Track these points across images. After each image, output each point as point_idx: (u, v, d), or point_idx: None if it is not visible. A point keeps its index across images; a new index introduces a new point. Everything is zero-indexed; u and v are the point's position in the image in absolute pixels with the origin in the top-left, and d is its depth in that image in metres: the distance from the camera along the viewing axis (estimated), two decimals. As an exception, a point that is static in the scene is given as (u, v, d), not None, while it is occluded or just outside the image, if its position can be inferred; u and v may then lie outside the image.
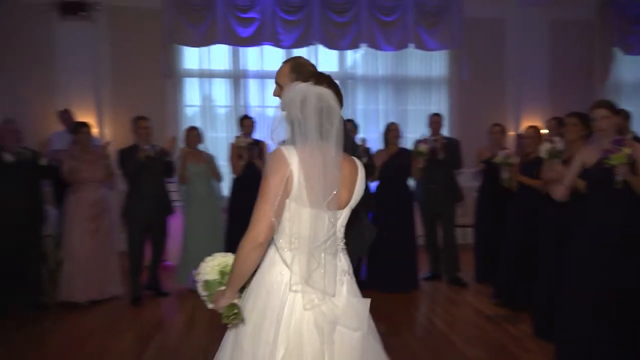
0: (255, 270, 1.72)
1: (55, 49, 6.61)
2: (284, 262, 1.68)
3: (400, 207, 5.11)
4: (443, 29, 7.16)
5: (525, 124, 7.04)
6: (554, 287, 3.59)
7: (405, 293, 5.01)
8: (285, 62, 2.14)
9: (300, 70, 2.07)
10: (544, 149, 3.91)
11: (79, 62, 6.62)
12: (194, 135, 5.22)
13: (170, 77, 6.87)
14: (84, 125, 4.80)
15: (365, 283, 5.20)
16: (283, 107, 1.72)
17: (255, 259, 1.66)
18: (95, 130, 6.28)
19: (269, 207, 1.61)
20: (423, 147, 5.05)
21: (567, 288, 3.22)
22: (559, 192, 3.34)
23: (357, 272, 4.65)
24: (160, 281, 5.09)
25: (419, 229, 5.49)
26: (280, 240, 1.69)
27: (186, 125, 6.95)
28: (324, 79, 1.76)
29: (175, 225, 5.44)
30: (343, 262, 1.78)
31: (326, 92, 1.69)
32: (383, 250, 5.03)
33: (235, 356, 1.69)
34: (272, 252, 1.71)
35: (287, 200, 1.65)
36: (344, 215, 1.77)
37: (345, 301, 1.71)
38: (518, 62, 7.45)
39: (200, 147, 5.32)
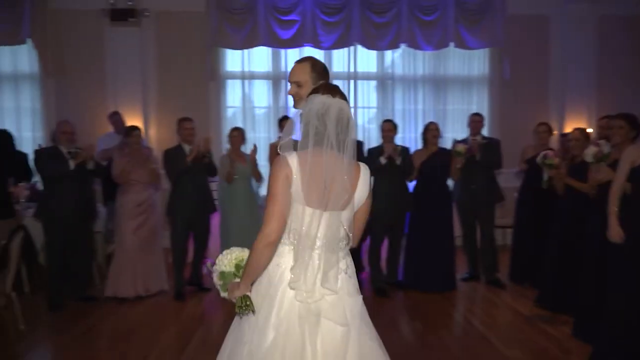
0: None
1: (105, 54, 6.92)
2: (281, 254, 1.82)
3: (439, 207, 5.08)
4: (485, 27, 7.06)
5: (570, 123, 6.89)
6: (599, 290, 3.51)
7: (443, 293, 4.98)
8: (303, 61, 2.18)
9: (320, 70, 2.14)
10: (589, 152, 3.83)
11: (127, 66, 6.90)
12: (236, 136, 5.35)
13: (214, 80, 7.06)
14: (135, 128, 5.01)
15: (403, 282, 5.22)
16: (303, 114, 1.83)
17: (268, 255, 1.80)
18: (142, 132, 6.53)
19: (277, 207, 1.75)
20: (461, 148, 5.01)
21: (622, 292, 3.16)
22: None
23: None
24: (202, 277, 5.26)
25: (458, 229, 5.46)
26: (283, 235, 1.82)
27: (228, 126, 7.18)
28: (337, 91, 1.86)
29: (217, 223, 5.62)
30: (342, 261, 1.86)
31: (345, 105, 1.82)
32: (421, 249, 5.04)
33: (237, 336, 1.86)
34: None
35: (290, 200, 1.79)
36: (345, 216, 1.84)
37: (337, 297, 1.80)
38: (563, 59, 7.26)
39: (243, 148, 5.45)
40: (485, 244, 5.35)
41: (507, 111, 7.24)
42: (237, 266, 1.92)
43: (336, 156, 1.78)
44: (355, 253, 5.29)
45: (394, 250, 5.24)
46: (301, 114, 1.85)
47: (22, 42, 6.73)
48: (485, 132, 5.93)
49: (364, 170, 1.90)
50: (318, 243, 1.78)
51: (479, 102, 7.35)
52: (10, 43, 6.76)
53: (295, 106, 2.19)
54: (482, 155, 5.17)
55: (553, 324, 4.13)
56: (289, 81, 2.20)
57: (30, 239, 4.57)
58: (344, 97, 1.86)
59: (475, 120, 5.41)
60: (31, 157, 5.92)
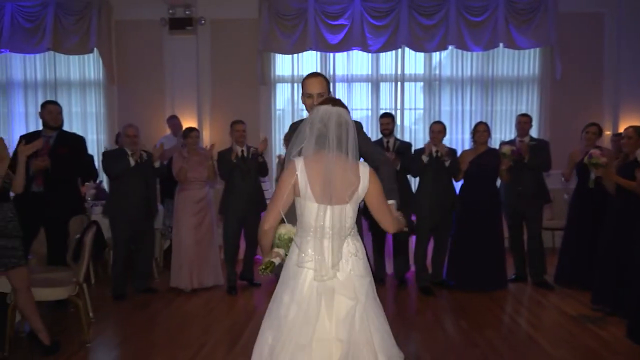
0: None
1: (164, 61, 7.33)
2: (297, 245, 2.16)
3: (486, 207, 5.09)
4: (535, 26, 6.98)
5: (624, 124, 6.69)
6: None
7: (489, 293, 5.00)
8: (319, 76, 2.80)
9: (328, 83, 2.74)
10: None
11: (183, 72, 7.27)
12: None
13: (264, 84, 7.33)
14: (193, 130, 5.31)
15: (448, 282, 5.27)
16: (309, 120, 2.16)
17: (265, 240, 2.23)
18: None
19: (276, 204, 2.13)
20: (507, 149, 5.00)
21: None
22: None
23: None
24: (254, 273, 5.50)
25: (506, 231, 5.45)
26: (299, 229, 2.17)
27: (277, 127, 7.44)
28: (338, 102, 2.19)
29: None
30: (351, 245, 2.17)
31: (344, 112, 2.14)
32: (467, 249, 5.08)
33: (270, 313, 2.24)
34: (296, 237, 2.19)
35: (298, 198, 2.12)
36: (349, 209, 2.13)
37: (347, 276, 2.12)
38: (617, 58, 7.07)
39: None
40: (532, 245, 5.32)
41: (559, 112, 7.13)
42: (280, 236, 2.27)
43: (337, 156, 2.07)
44: (402, 252, 5.41)
45: (440, 249, 5.29)
46: (307, 120, 2.18)
47: (90, 51, 7.25)
48: (535, 133, 5.88)
49: (363, 168, 2.17)
50: (328, 232, 2.09)
51: (529, 103, 7.27)
52: (79, 52, 7.29)
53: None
54: (530, 157, 5.14)
55: (601, 325, 4.10)
56: (312, 92, 2.72)
57: (101, 234, 4.95)
58: (344, 107, 2.18)
59: (523, 122, 5.37)
60: (96, 158, 6.43)
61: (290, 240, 2.25)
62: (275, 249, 2.27)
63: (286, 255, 2.26)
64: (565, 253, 5.24)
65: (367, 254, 4.66)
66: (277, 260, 2.27)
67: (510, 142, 5.35)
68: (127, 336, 4.03)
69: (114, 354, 3.75)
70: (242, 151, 5.20)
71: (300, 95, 3.07)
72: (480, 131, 5.16)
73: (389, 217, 2.26)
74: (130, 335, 4.05)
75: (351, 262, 2.15)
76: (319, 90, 2.71)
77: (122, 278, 5.00)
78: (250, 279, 5.47)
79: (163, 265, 6.01)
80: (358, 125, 2.90)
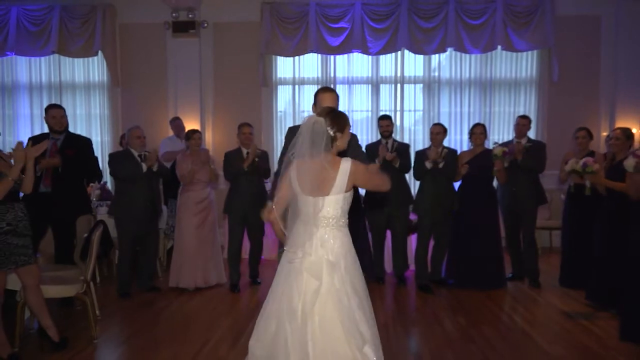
0: None
1: (167, 64, 7.45)
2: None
3: (483, 206, 5.18)
4: (533, 29, 7.09)
5: (621, 125, 6.76)
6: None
7: (487, 291, 5.10)
8: (334, 92, 3.33)
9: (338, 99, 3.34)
10: (628, 164, 3.86)
11: (186, 74, 7.39)
12: None
13: (266, 86, 7.44)
14: (196, 132, 5.42)
15: (447, 280, 5.37)
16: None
17: (274, 227, 2.63)
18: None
19: (277, 195, 2.59)
20: (498, 150, 5.07)
21: None
22: None
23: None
24: (257, 273, 5.61)
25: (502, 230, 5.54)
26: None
27: (278, 129, 7.54)
28: (329, 111, 2.61)
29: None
30: (329, 234, 2.52)
31: (321, 120, 2.50)
32: (465, 248, 5.17)
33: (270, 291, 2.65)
34: None
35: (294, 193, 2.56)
36: (330, 200, 2.51)
37: (317, 259, 2.48)
38: (614, 60, 7.17)
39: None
40: (525, 245, 5.43)
41: (556, 113, 7.23)
42: None
43: (313, 156, 2.47)
44: (402, 251, 5.49)
45: (439, 248, 5.39)
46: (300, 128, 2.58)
47: (94, 54, 7.38)
48: (532, 134, 5.96)
49: (344, 163, 2.53)
50: (312, 221, 2.51)
51: (527, 104, 7.37)
52: (84, 55, 7.42)
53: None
54: (524, 158, 5.22)
55: (595, 322, 4.21)
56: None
57: (107, 233, 5.06)
58: (337, 116, 2.57)
59: (521, 124, 5.45)
60: (99, 159, 6.53)
61: None
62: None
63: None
64: (565, 255, 5.30)
65: (370, 252, 4.80)
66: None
67: (508, 144, 5.44)
68: (132, 333, 4.13)
69: (121, 350, 3.85)
70: (247, 153, 5.31)
71: (300, 97, 3.33)
72: (477, 133, 5.26)
73: (378, 180, 2.60)
74: (136, 331, 4.15)
75: (324, 247, 2.50)
76: (335, 104, 3.22)
77: (127, 277, 5.11)
78: (254, 277, 5.58)
79: (167, 264, 6.11)
80: (353, 137, 3.36)
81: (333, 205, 2.53)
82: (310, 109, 3.53)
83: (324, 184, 2.50)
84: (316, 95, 3.39)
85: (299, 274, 2.48)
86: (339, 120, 2.58)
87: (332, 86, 7.43)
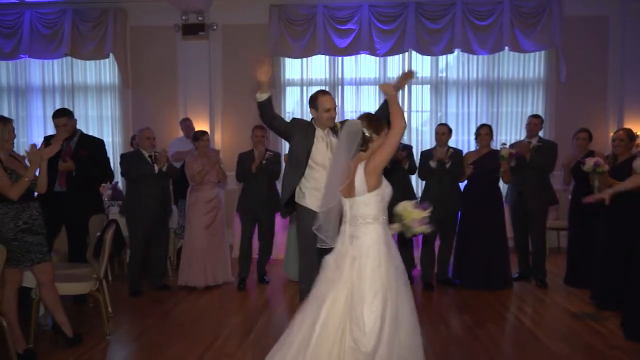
0: None
1: (177, 66, 7.57)
2: None
3: (489, 207, 5.22)
4: (540, 29, 7.10)
5: (628, 125, 6.78)
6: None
7: (493, 291, 5.13)
8: (330, 93, 3.69)
9: None
10: (638, 165, 3.87)
11: (196, 76, 7.50)
12: None
13: (274, 87, 7.51)
14: (204, 133, 5.51)
15: (453, 280, 5.41)
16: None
17: None
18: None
19: None
20: (505, 152, 5.09)
21: None
22: None
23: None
24: (266, 273, 5.70)
25: (510, 231, 5.57)
26: None
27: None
28: (364, 117, 2.84)
29: (278, 222, 6.07)
30: (355, 231, 2.71)
31: (358, 122, 2.73)
32: (470, 248, 5.21)
33: None
34: None
35: None
36: (358, 202, 2.69)
37: (344, 251, 2.72)
38: (622, 61, 7.18)
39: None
40: (533, 246, 5.44)
41: (563, 114, 7.23)
42: (404, 210, 2.78)
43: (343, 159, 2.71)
44: (407, 251, 5.57)
45: (445, 249, 5.44)
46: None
47: (106, 57, 7.51)
48: (540, 134, 5.96)
49: (360, 165, 2.71)
50: (345, 218, 2.77)
51: (534, 105, 7.39)
52: (96, 58, 7.55)
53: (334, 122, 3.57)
54: (533, 158, 5.23)
55: (601, 321, 4.23)
56: (331, 107, 3.58)
57: (119, 232, 5.16)
58: (369, 119, 2.76)
59: (533, 123, 5.42)
60: (111, 159, 6.65)
61: (402, 217, 2.75)
62: (393, 225, 2.79)
63: (403, 227, 2.77)
64: (571, 255, 5.33)
65: None
66: (396, 227, 2.80)
67: (516, 144, 5.44)
68: (144, 329, 4.22)
69: (133, 346, 3.94)
70: (263, 158, 5.40)
71: (308, 98, 3.48)
72: (483, 134, 5.29)
73: (392, 135, 2.70)
74: (147, 328, 4.24)
75: (348, 242, 2.71)
76: (334, 105, 3.59)
77: (138, 275, 5.20)
78: (262, 276, 5.66)
79: (177, 263, 6.20)
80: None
81: (362, 206, 2.70)
82: (309, 111, 3.68)
83: (350, 186, 2.69)
84: (315, 98, 3.59)
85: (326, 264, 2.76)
86: (376, 122, 2.76)
87: (339, 87, 7.53)
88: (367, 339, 2.53)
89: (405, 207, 2.78)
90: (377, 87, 7.51)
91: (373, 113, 2.97)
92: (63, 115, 4.68)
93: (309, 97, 3.79)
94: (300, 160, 3.63)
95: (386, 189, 2.76)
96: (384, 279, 2.63)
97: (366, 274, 2.62)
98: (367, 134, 2.71)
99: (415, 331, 2.72)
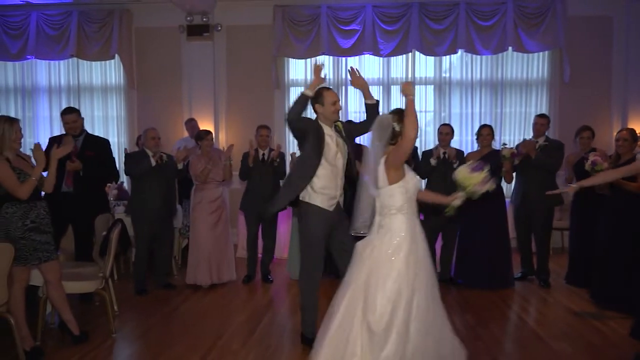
0: None
1: (181, 66, 7.62)
2: None
3: (491, 206, 5.21)
4: (544, 30, 7.11)
5: (632, 125, 6.80)
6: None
7: (497, 290, 5.15)
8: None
9: None
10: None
11: (200, 77, 7.55)
12: None
13: (278, 88, 7.56)
14: (208, 133, 5.55)
15: (455, 280, 5.42)
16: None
17: None
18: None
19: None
20: (507, 151, 5.10)
21: None
22: None
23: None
24: (270, 272, 5.75)
25: (512, 230, 5.58)
26: None
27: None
28: (395, 111, 3.06)
29: (282, 221, 6.11)
30: (381, 221, 2.93)
31: (389, 116, 2.94)
32: (474, 247, 5.23)
33: None
34: None
35: None
36: (384, 193, 2.90)
37: (371, 238, 2.93)
38: (626, 61, 7.18)
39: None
40: (537, 246, 5.45)
41: (567, 114, 7.22)
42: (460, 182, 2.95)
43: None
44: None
45: (447, 248, 5.46)
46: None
47: (111, 57, 7.57)
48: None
49: (382, 159, 2.90)
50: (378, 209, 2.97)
51: (538, 105, 7.39)
52: (101, 59, 7.62)
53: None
54: (538, 156, 5.22)
55: (603, 320, 4.25)
56: (337, 99, 3.61)
57: (125, 232, 5.21)
58: (400, 114, 2.92)
59: (539, 123, 5.39)
60: (116, 159, 6.70)
61: (464, 185, 2.90)
62: (457, 193, 2.92)
63: (468, 193, 2.91)
64: (572, 254, 5.35)
65: None
66: (456, 202, 2.95)
67: (522, 144, 5.44)
68: (149, 327, 4.26)
69: (138, 343, 3.98)
70: (263, 154, 5.49)
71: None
72: (484, 134, 5.31)
73: (407, 135, 2.86)
74: (152, 326, 4.29)
75: (379, 233, 2.90)
76: (338, 98, 3.68)
77: (143, 274, 5.25)
78: (266, 275, 5.71)
79: (181, 262, 6.25)
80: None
81: (387, 197, 2.87)
82: (315, 109, 3.68)
83: (376, 178, 2.91)
84: (320, 94, 3.60)
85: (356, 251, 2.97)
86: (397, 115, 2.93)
87: (343, 88, 7.56)
88: (378, 321, 2.68)
89: (464, 174, 2.91)
90: (381, 87, 7.55)
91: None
92: (72, 112, 4.83)
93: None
94: (312, 159, 3.58)
95: (410, 181, 2.90)
96: (402, 268, 2.76)
97: (383, 261, 2.79)
98: (396, 128, 2.87)
99: (434, 324, 2.82)
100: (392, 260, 2.79)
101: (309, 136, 3.58)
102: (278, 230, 6.36)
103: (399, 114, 2.92)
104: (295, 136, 3.74)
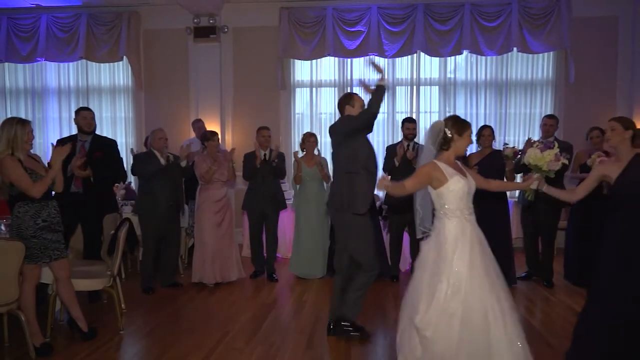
0: None
1: (189, 68, 7.71)
2: None
3: (493, 206, 5.24)
4: (549, 30, 7.11)
5: (638, 126, 6.78)
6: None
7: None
8: None
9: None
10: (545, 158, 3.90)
11: (207, 78, 7.63)
12: (312, 141, 5.85)
13: (284, 88, 7.62)
14: (214, 134, 5.63)
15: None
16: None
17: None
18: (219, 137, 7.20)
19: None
20: (509, 151, 5.12)
21: None
22: None
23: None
24: (274, 271, 5.82)
25: (515, 231, 5.61)
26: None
27: (297, 130, 7.72)
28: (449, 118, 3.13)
29: (288, 221, 6.18)
30: (435, 221, 3.05)
31: (441, 121, 3.04)
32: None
33: None
34: None
35: None
36: (432, 195, 3.00)
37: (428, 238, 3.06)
38: (631, 61, 7.17)
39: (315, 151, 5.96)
40: (543, 247, 5.48)
41: (572, 114, 7.22)
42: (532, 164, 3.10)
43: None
44: (418, 251, 5.66)
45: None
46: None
47: (120, 59, 7.68)
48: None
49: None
50: None
51: (543, 106, 7.40)
52: (110, 61, 7.72)
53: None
54: None
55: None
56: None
57: (132, 231, 5.30)
58: (454, 120, 3.03)
59: (548, 124, 5.39)
60: (124, 160, 6.80)
61: (539, 165, 3.01)
62: (534, 175, 3.03)
63: (544, 172, 3.04)
64: (569, 251, 5.40)
65: (384, 253, 5.13)
66: (534, 185, 3.06)
67: (531, 142, 5.44)
68: (156, 325, 4.34)
69: (145, 340, 4.06)
70: (265, 155, 5.56)
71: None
72: (485, 135, 5.35)
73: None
74: (159, 324, 4.37)
75: (432, 234, 3.00)
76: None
77: (150, 273, 5.34)
78: (270, 274, 5.78)
79: (187, 262, 6.33)
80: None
81: (437, 200, 2.97)
82: (333, 108, 3.81)
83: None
84: (352, 96, 4.03)
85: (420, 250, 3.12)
86: (459, 123, 2.99)
87: (348, 89, 7.60)
88: (418, 317, 2.79)
89: (535, 156, 2.96)
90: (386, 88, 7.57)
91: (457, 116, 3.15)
92: (90, 110, 5.04)
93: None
94: (370, 160, 3.90)
95: (455, 185, 2.92)
96: (449, 270, 2.80)
97: (430, 261, 2.90)
98: (448, 133, 2.93)
99: (484, 333, 2.76)
100: (439, 263, 2.85)
101: (362, 136, 3.92)
102: (284, 231, 6.47)
103: (452, 120, 3.00)
104: (369, 126, 3.96)
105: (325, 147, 7.49)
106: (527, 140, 5.45)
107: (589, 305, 3.26)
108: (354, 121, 3.89)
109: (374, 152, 3.96)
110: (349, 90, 7.55)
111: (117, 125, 8.03)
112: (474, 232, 2.95)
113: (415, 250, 5.58)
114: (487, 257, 2.93)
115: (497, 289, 2.84)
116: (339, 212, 3.90)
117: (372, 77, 7.55)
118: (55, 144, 4.56)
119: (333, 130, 4.05)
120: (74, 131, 5.13)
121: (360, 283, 3.87)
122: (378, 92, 3.77)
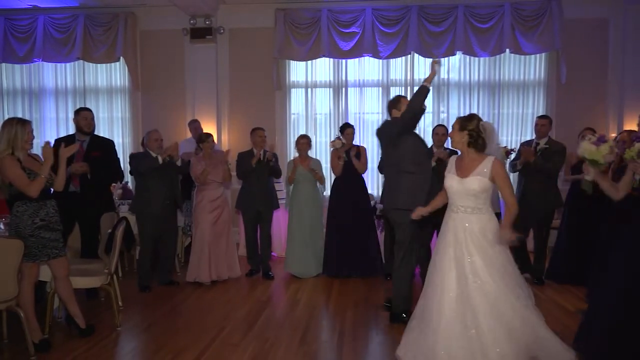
0: None
1: (185, 69, 7.77)
2: None
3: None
4: (541, 32, 7.19)
5: (628, 127, 6.88)
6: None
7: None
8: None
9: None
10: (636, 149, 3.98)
11: (203, 79, 7.70)
12: (304, 142, 5.93)
13: (279, 89, 7.70)
14: (209, 135, 5.71)
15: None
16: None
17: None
18: (215, 137, 7.26)
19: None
20: (501, 151, 5.18)
21: None
22: None
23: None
24: (270, 268, 5.90)
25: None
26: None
27: (292, 131, 7.80)
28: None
29: (282, 221, 6.25)
30: None
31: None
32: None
33: None
34: None
35: None
36: None
37: None
38: (622, 62, 7.26)
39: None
40: (535, 246, 5.55)
41: (564, 115, 7.30)
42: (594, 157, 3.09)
43: None
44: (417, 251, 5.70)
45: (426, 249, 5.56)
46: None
47: (116, 60, 7.73)
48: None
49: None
50: None
51: (535, 106, 7.48)
52: (107, 61, 7.77)
53: None
54: (537, 161, 5.27)
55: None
56: None
57: (129, 230, 5.37)
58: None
59: (540, 124, 5.43)
60: (121, 159, 6.86)
61: (595, 159, 3.05)
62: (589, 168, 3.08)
63: (599, 166, 3.08)
64: (558, 250, 5.48)
65: (380, 252, 5.15)
66: (589, 177, 3.11)
67: (528, 144, 5.53)
68: (153, 322, 4.41)
69: (142, 337, 4.13)
70: (260, 155, 5.63)
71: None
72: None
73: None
74: (156, 321, 4.44)
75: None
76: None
77: (147, 271, 5.40)
78: (266, 271, 5.85)
79: (184, 260, 6.40)
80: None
81: (486, 191, 3.21)
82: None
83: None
84: (399, 100, 4.24)
85: None
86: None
87: (343, 89, 7.69)
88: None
89: (590, 150, 3.03)
90: (380, 88, 7.67)
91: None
92: (90, 110, 5.12)
93: (389, 100, 4.43)
94: (424, 157, 4.14)
95: (446, 182, 3.28)
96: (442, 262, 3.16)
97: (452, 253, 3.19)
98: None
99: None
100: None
101: (412, 135, 4.12)
102: (279, 229, 6.54)
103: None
104: (412, 125, 4.11)
105: (319, 147, 7.59)
106: (520, 146, 5.50)
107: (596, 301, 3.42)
108: (397, 123, 4.08)
109: (424, 150, 4.15)
110: (343, 91, 7.69)
111: (114, 126, 8.08)
112: (453, 223, 3.22)
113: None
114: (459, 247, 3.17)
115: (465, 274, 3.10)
116: (397, 212, 4.13)
117: (369, 77, 7.69)
118: (52, 143, 4.62)
119: (380, 133, 4.29)
120: (72, 131, 5.18)
121: None
122: (420, 92, 3.93)
